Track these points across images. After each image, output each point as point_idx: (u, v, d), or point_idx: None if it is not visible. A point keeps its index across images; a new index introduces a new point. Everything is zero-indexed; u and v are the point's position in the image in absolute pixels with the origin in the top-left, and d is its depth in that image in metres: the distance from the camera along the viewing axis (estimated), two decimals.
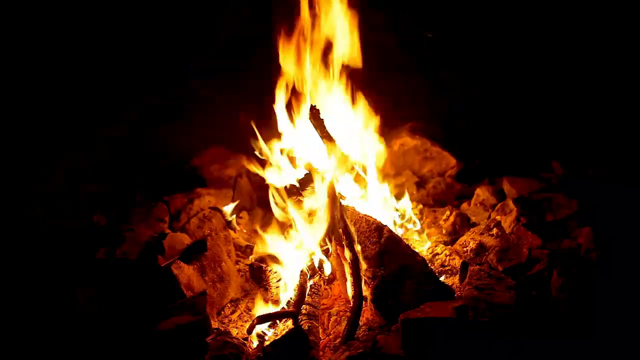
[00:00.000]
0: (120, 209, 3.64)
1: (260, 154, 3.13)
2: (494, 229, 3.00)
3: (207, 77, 4.39)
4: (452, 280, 2.70)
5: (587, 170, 3.41)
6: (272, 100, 3.13)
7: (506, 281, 2.37)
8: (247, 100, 3.77)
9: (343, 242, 2.62)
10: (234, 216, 3.52)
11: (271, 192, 3.02)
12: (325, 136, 2.90)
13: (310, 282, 2.65)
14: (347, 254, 2.57)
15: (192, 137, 4.31)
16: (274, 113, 3.14)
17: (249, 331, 2.31)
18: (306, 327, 2.33)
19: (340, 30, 3.09)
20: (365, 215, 2.62)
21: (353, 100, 3.17)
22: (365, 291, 2.46)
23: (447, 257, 2.88)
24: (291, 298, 2.56)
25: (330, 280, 2.79)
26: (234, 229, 3.47)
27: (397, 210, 3.22)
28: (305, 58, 3.08)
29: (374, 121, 3.21)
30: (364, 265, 2.50)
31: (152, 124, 4.33)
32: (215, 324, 2.57)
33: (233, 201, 3.64)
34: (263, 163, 3.14)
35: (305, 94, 3.10)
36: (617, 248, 2.53)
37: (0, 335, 2.47)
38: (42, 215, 3.45)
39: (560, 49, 4.15)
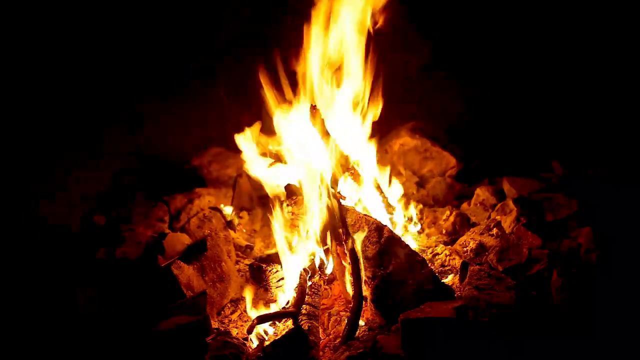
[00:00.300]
0: (120, 209, 3.65)
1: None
2: (494, 229, 2.99)
3: (207, 77, 4.40)
4: (452, 280, 2.70)
5: (587, 170, 3.41)
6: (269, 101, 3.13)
7: (506, 281, 2.37)
8: (247, 100, 3.77)
9: (343, 242, 2.62)
10: (234, 215, 3.52)
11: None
12: (325, 136, 2.90)
13: (310, 282, 2.65)
14: (347, 254, 2.57)
15: (192, 137, 4.32)
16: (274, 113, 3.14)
17: (249, 331, 2.31)
18: (306, 327, 2.32)
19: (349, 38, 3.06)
20: (365, 215, 2.63)
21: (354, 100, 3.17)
22: (365, 291, 2.46)
23: (447, 257, 2.88)
24: (291, 298, 2.56)
25: (330, 280, 2.78)
26: (234, 229, 3.47)
27: (389, 205, 3.19)
28: (307, 57, 3.07)
29: (374, 121, 3.21)
30: (363, 266, 2.50)
31: (152, 124, 4.34)
32: (215, 324, 2.57)
33: (233, 201, 3.64)
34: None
35: (306, 94, 3.09)
36: (617, 248, 2.53)
37: (1, 335, 2.47)
38: (42, 215, 3.46)
39: (560, 49, 4.15)
